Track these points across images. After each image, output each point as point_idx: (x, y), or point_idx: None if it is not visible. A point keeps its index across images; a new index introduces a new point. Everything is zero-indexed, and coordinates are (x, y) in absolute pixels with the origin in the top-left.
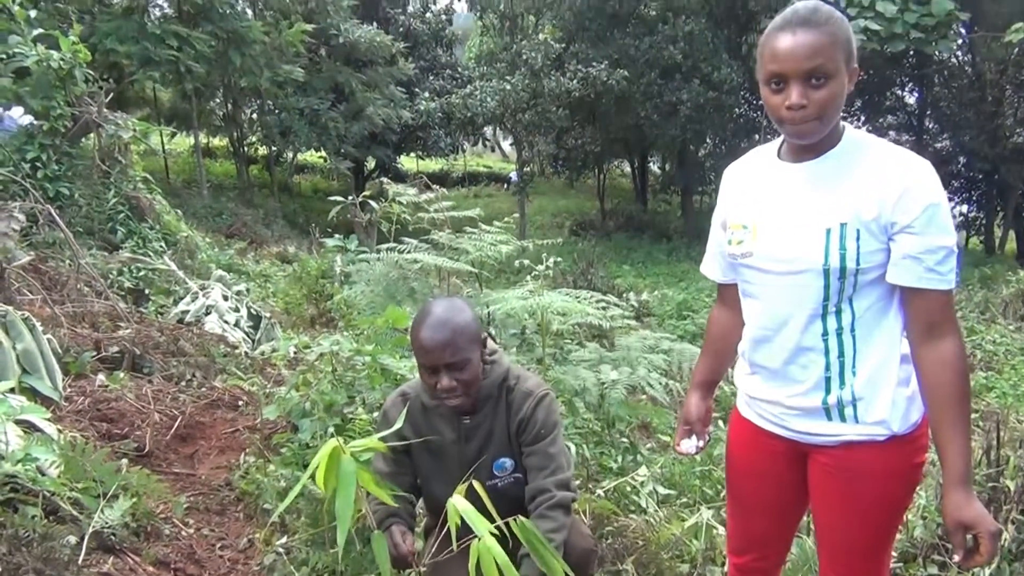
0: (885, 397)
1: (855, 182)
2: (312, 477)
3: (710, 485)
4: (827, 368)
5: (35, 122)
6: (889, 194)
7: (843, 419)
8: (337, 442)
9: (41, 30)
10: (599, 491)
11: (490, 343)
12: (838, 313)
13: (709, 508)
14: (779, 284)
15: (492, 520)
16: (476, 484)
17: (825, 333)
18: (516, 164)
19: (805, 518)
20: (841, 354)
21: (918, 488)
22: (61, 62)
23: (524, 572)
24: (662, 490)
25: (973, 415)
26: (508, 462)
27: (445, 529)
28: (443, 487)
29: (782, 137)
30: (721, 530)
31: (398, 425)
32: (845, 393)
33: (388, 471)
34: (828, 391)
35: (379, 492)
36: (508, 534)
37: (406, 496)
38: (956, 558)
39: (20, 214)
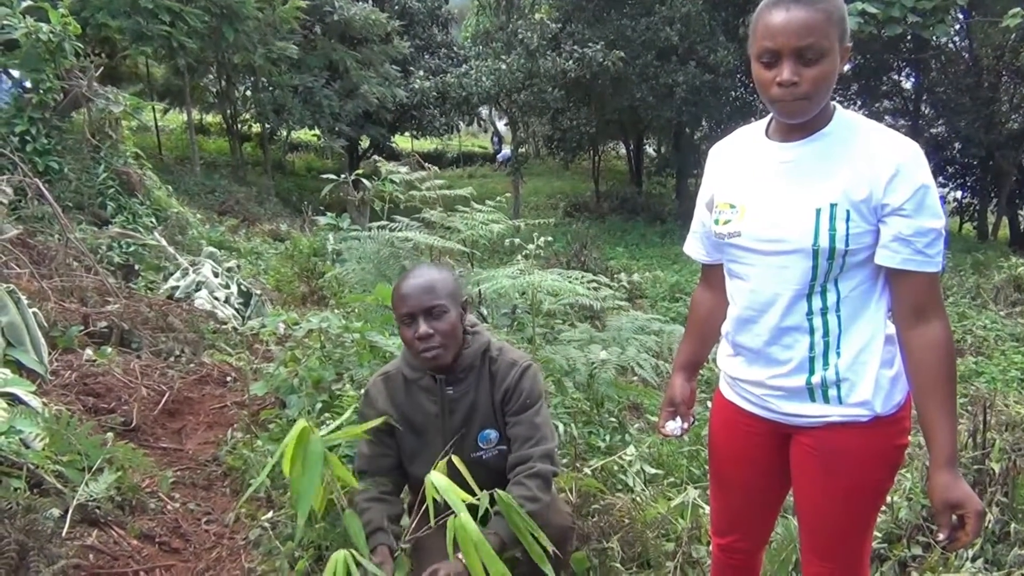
0: (869, 378)
1: (846, 163)
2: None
3: (697, 465)
4: (811, 348)
5: (26, 84)
6: (880, 175)
7: (826, 400)
8: (306, 423)
9: (30, 2)
10: (586, 470)
11: (471, 317)
12: (823, 293)
13: (696, 488)
14: (766, 264)
15: (473, 494)
16: (458, 460)
17: (810, 313)
18: (494, 143)
19: (789, 498)
20: (826, 334)
21: (903, 470)
22: (50, 35)
23: (491, 528)
24: (649, 469)
25: (962, 399)
26: (493, 434)
27: (426, 506)
28: (427, 465)
29: (770, 116)
30: (707, 509)
31: (379, 420)
32: (829, 373)
33: (370, 453)
34: (812, 371)
35: (347, 476)
36: (492, 506)
37: (388, 482)
38: (941, 536)
39: (8, 187)
